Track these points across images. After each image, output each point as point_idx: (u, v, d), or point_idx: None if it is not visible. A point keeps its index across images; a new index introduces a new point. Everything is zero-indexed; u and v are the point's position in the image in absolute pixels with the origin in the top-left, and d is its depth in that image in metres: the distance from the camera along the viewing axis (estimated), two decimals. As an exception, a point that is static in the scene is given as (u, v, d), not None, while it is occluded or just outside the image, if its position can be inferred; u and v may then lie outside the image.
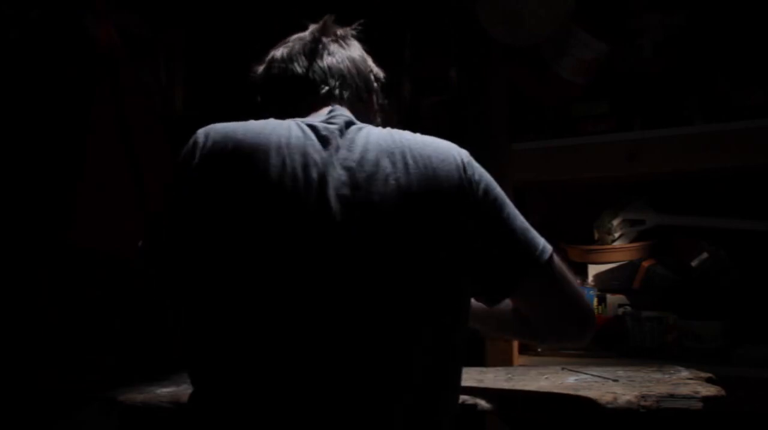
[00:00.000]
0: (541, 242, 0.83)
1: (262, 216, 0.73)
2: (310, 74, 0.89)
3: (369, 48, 1.01)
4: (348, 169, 0.75)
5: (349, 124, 0.81)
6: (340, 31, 0.95)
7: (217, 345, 0.76)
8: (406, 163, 0.76)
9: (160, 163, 1.64)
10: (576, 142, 1.66)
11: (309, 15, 1.08)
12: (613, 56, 1.64)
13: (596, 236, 1.83)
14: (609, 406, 0.91)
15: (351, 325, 0.74)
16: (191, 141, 0.79)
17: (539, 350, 1.76)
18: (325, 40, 0.92)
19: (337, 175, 0.75)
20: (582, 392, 0.95)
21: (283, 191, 0.73)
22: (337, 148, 0.77)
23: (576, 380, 1.08)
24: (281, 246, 0.73)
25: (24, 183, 1.49)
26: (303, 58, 0.90)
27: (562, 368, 1.20)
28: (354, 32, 0.98)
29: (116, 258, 1.54)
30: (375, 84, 0.96)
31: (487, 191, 0.80)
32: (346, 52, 0.93)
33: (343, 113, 0.84)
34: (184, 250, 0.77)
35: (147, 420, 1.01)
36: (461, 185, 0.78)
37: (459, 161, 0.80)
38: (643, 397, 0.92)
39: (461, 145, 0.84)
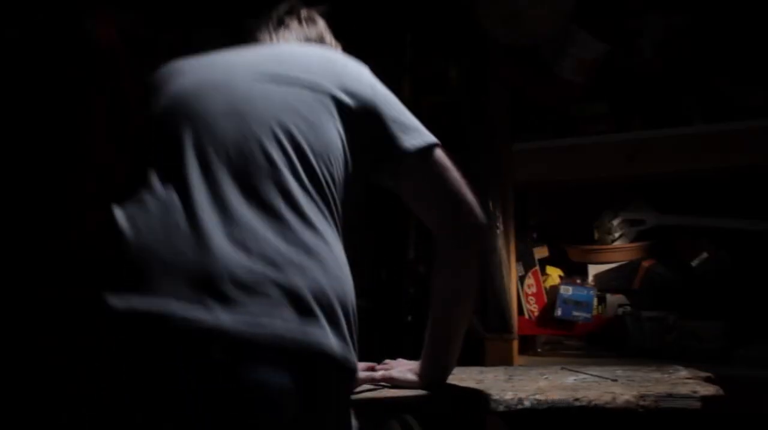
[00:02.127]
0: (425, 135, 0.96)
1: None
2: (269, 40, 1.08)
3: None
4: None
5: None
6: (304, 13, 1.12)
7: None
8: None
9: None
10: (576, 143, 1.66)
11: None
12: (613, 56, 1.64)
13: (596, 236, 1.83)
14: (608, 406, 0.91)
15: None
16: None
17: (539, 350, 1.76)
18: (287, 19, 1.10)
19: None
20: (581, 392, 0.95)
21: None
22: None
23: (575, 379, 1.08)
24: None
25: (23, 184, 1.49)
26: (265, 30, 1.10)
27: (562, 368, 1.21)
28: (320, 10, 1.14)
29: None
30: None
31: None
32: (304, 32, 1.10)
33: None
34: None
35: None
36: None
37: None
38: (642, 397, 0.92)
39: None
